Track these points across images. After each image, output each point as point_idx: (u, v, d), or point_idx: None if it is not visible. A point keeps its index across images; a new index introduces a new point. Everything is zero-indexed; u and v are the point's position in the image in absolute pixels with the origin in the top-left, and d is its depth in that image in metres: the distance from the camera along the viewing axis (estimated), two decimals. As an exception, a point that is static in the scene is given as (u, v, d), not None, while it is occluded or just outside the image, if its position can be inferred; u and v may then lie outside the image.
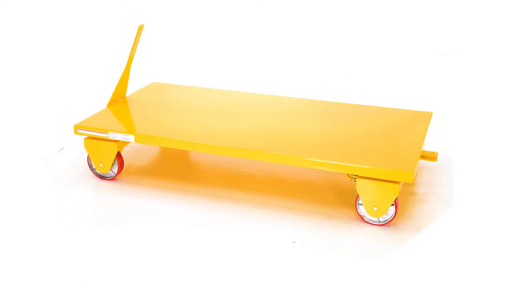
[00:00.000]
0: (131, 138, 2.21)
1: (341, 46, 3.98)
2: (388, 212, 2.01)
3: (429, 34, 4.04)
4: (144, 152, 2.60)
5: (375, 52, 3.88)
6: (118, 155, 2.31)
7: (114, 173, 2.33)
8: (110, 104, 2.49)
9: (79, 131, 2.28)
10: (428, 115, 2.37)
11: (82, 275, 1.78)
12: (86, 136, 2.30)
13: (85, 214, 2.11)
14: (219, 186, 2.29)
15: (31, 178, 2.38)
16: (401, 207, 2.13)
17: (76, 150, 2.61)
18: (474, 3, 4.10)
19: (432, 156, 2.23)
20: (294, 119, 2.33)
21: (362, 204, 2.04)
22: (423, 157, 2.23)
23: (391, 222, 2.04)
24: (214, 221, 2.06)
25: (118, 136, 2.23)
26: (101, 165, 2.31)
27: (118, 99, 2.53)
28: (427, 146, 2.59)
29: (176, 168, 2.46)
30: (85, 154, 2.54)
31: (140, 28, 2.48)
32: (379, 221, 2.04)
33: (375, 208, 2.01)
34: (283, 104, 2.50)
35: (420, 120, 2.32)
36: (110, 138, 2.25)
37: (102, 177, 2.35)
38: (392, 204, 2.01)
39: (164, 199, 2.20)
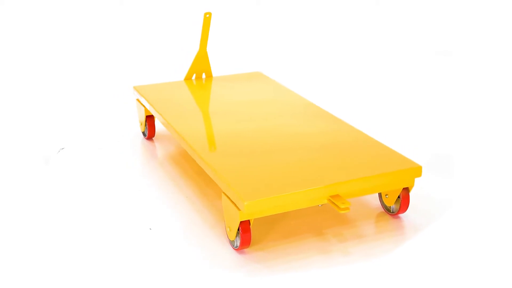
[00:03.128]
0: (146, 105, 2.55)
1: (341, 46, 3.98)
2: (237, 238, 1.84)
3: (429, 34, 4.05)
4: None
5: (375, 52, 3.88)
6: (151, 120, 2.65)
7: (146, 134, 2.70)
8: (186, 79, 2.78)
9: (134, 91, 2.69)
10: (400, 164, 1.94)
11: (82, 274, 1.79)
12: (136, 98, 2.70)
13: (86, 214, 2.11)
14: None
15: (31, 178, 2.38)
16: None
17: (76, 150, 2.61)
18: (474, 3, 4.10)
19: (338, 206, 1.78)
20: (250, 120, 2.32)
21: None
22: (332, 202, 1.81)
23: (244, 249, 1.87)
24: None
25: (143, 101, 2.58)
26: (140, 123, 2.73)
27: (201, 76, 2.80)
28: (426, 147, 2.59)
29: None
30: (84, 154, 2.57)
31: (206, 15, 2.70)
32: (235, 245, 1.87)
33: (228, 229, 1.87)
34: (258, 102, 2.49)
35: (380, 166, 1.94)
36: (141, 101, 2.61)
37: (144, 134, 2.73)
38: (239, 231, 1.81)
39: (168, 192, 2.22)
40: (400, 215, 2.06)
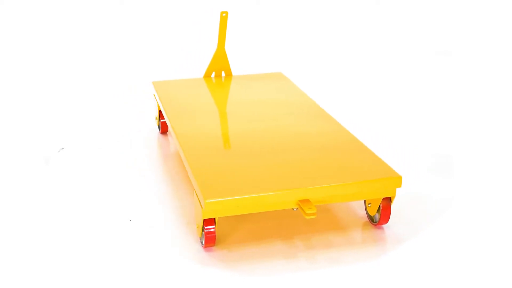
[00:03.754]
0: (158, 99, 2.58)
1: (341, 46, 3.98)
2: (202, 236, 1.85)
3: (429, 34, 4.05)
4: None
5: (375, 52, 3.88)
6: (162, 117, 2.68)
7: (159, 129, 2.75)
8: (205, 76, 2.81)
9: (152, 87, 2.73)
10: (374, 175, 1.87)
11: (82, 275, 1.79)
12: (153, 93, 2.74)
13: (86, 215, 2.12)
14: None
15: (31, 178, 2.38)
16: (400, 207, 2.12)
17: (76, 150, 2.61)
18: (474, 3, 4.10)
19: (305, 211, 1.74)
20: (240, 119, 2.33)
21: None
22: (300, 207, 1.77)
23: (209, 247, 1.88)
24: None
25: (156, 96, 2.61)
26: (155, 118, 2.80)
27: (221, 74, 2.81)
28: (426, 147, 2.59)
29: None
30: (84, 154, 2.58)
31: (222, 14, 2.71)
32: (202, 243, 1.88)
33: (196, 226, 1.90)
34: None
35: (351, 177, 1.86)
36: (155, 96, 2.67)
37: (159, 128, 2.76)
38: (203, 229, 1.82)
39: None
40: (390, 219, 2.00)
